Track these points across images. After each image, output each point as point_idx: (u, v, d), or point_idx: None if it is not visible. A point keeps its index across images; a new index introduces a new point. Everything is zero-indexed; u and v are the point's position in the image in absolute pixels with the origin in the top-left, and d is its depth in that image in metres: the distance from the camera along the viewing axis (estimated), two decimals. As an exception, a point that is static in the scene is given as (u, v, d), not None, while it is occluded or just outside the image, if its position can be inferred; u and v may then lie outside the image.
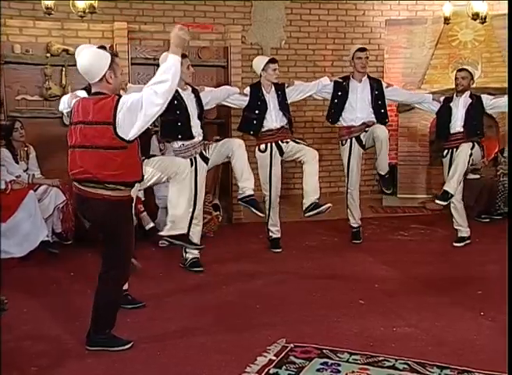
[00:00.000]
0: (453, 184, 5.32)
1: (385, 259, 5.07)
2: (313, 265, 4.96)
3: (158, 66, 5.32)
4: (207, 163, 4.84)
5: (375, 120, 5.50)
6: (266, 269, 4.84)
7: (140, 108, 3.08)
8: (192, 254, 4.83)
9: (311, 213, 5.14)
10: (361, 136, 5.52)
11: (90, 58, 3.19)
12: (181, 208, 4.21)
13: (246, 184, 4.75)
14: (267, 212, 5.38)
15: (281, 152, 5.34)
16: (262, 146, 5.35)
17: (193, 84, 5.42)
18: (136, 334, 3.47)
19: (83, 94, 3.77)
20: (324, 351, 3.18)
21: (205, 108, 4.97)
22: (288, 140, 5.35)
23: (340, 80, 5.59)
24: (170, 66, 3.11)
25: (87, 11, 5.57)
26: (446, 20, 7.08)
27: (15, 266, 4.81)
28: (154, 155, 4.51)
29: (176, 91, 4.65)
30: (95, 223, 3.35)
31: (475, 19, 6.71)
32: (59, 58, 5.86)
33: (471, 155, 5.36)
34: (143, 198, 5.49)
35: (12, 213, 4.86)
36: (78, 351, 3.27)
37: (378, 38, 8.08)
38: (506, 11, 7.44)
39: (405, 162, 7.59)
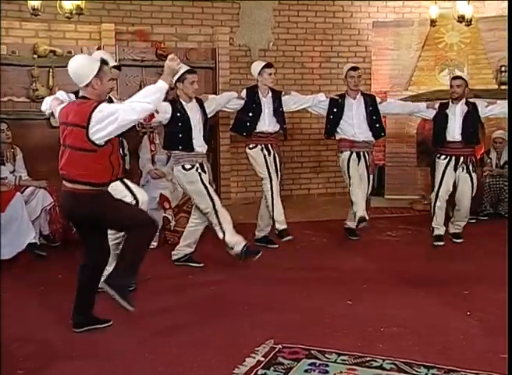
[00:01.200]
0: (465, 218, 5.74)
1: (372, 260, 5.10)
2: (301, 265, 4.97)
3: (145, 67, 5.41)
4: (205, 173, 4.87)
5: (373, 140, 5.71)
6: (254, 269, 4.83)
7: (113, 120, 3.25)
8: (184, 252, 4.97)
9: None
10: (361, 153, 5.64)
11: (79, 64, 3.40)
12: None
13: (234, 240, 4.73)
14: (270, 204, 5.35)
15: (269, 154, 5.40)
16: (251, 145, 5.44)
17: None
18: (125, 335, 3.46)
19: (62, 95, 3.91)
20: (312, 351, 3.19)
21: (209, 115, 5.05)
22: (276, 149, 5.44)
23: (336, 97, 5.71)
24: (156, 90, 3.34)
25: (74, 12, 5.54)
26: (433, 22, 7.13)
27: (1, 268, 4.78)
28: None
29: (180, 104, 4.76)
30: (83, 214, 3.48)
31: (461, 22, 6.77)
32: (46, 59, 5.84)
33: (472, 185, 5.61)
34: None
35: (-2, 215, 4.82)
36: (66, 353, 3.25)
37: (366, 40, 8.12)
38: (491, 13, 7.54)
39: (392, 163, 7.63)
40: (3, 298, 3.97)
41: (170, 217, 5.48)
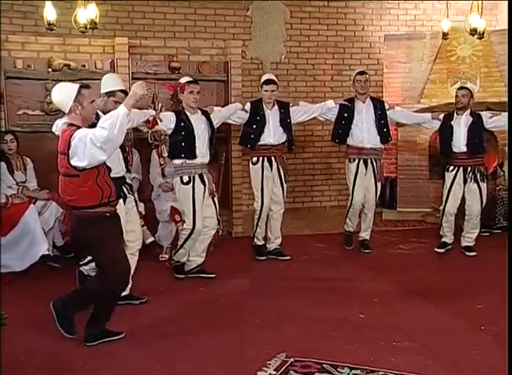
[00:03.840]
0: (474, 236, 5.76)
1: (384, 273, 5.06)
2: (313, 278, 4.94)
3: (158, 80, 5.43)
4: (205, 187, 4.92)
5: (381, 146, 5.76)
6: (265, 283, 4.82)
7: (84, 145, 3.30)
8: (196, 262, 5.00)
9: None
10: (368, 160, 5.69)
11: (58, 92, 3.51)
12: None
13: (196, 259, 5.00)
14: (255, 222, 5.56)
15: (271, 167, 5.46)
16: (254, 158, 5.49)
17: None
18: (135, 347, 3.46)
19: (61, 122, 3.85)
20: (324, 365, 3.16)
21: (215, 127, 5.10)
22: (279, 160, 5.48)
23: (346, 103, 5.73)
24: (115, 115, 3.33)
25: (88, 26, 5.58)
26: (445, 35, 7.12)
27: (12, 280, 4.78)
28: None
29: (184, 114, 4.82)
30: (75, 238, 3.67)
31: (473, 35, 6.75)
32: (61, 73, 5.87)
33: (481, 200, 5.63)
34: (143, 212, 5.48)
35: (12, 227, 4.85)
36: (77, 366, 3.26)
37: (377, 53, 8.12)
38: (504, 26, 7.51)
39: (405, 175, 7.59)
40: (15, 309, 3.98)
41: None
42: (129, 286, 4.16)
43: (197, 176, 4.89)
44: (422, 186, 7.50)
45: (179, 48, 6.44)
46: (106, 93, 4.22)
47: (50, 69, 5.91)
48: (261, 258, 5.57)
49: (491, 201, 6.50)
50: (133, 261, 4.18)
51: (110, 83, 4.29)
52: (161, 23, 7.42)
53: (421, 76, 7.60)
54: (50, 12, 5.26)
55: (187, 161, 4.86)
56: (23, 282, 4.77)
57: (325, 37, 8.04)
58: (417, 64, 7.66)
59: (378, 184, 5.80)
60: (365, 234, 5.93)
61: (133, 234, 4.29)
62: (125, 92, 4.25)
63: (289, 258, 5.53)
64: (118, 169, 4.10)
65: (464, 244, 5.73)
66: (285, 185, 5.57)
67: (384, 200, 7.74)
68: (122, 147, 4.23)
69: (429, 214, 7.11)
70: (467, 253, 5.65)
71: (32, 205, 5.03)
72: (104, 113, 4.10)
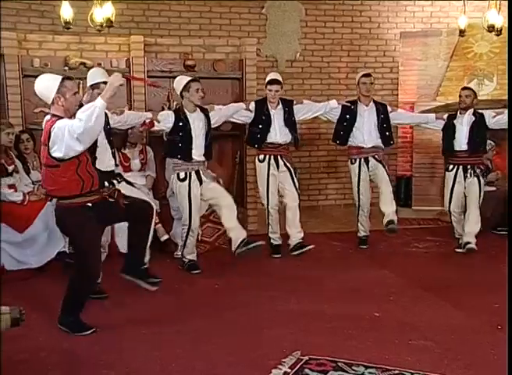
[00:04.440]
0: (477, 228, 5.63)
1: (400, 272, 5.03)
2: (327, 276, 4.93)
3: (173, 78, 5.45)
4: (201, 183, 5.00)
5: (382, 146, 5.74)
6: (279, 280, 4.82)
7: (62, 135, 3.35)
8: (188, 257, 5.09)
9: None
10: (369, 158, 5.70)
11: (40, 84, 3.58)
12: None
13: (237, 233, 4.93)
14: (266, 221, 5.59)
15: (277, 165, 5.48)
16: (261, 156, 5.53)
17: (209, 97, 5.54)
18: (150, 344, 3.48)
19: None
20: (339, 363, 3.16)
21: (213, 126, 5.17)
22: (285, 158, 5.51)
23: (348, 104, 5.75)
24: (92, 107, 3.34)
25: (104, 25, 5.62)
26: (461, 32, 7.05)
27: (30, 276, 4.85)
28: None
29: (183, 113, 4.89)
30: (58, 226, 3.77)
31: (491, 32, 6.68)
32: (77, 71, 5.91)
33: (480, 183, 5.62)
34: (158, 210, 5.51)
35: (29, 224, 4.89)
36: (92, 362, 3.28)
37: (393, 51, 8.08)
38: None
39: (420, 174, 7.55)
40: (33, 305, 4.02)
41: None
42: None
43: (193, 173, 4.97)
44: (438, 184, 7.44)
45: (194, 46, 6.46)
46: (91, 86, 4.38)
47: (66, 68, 5.96)
48: (277, 256, 5.57)
49: (507, 201, 6.46)
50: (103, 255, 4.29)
51: (94, 76, 4.44)
52: (176, 21, 7.44)
53: (437, 73, 7.54)
54: (66, 11, 5.30)
55: (184, 161, 4.97)
56: (41, 279, 4.82)
57: (340, 34, 8.01)
58: (433, 61, 7.60)
59: (386, 168, 5.78)
60: (389, 212, 5.71)
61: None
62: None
63: (313, 246, 5.50)
64: (105, 163, 4.23)
65: (464, 240, 5.65)
66: (296, 180, 5.57)
67: (399, 199, 7.71)
68: (110, 142, 4.31)
69: (445, 213, 7.05)
70: (467, 247, 5.56)
71: (48, 202, 5.07)
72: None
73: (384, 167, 5.75)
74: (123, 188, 4.30)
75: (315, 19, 7.94)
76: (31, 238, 4.90)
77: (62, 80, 3.50)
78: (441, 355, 3.30)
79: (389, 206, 5.70)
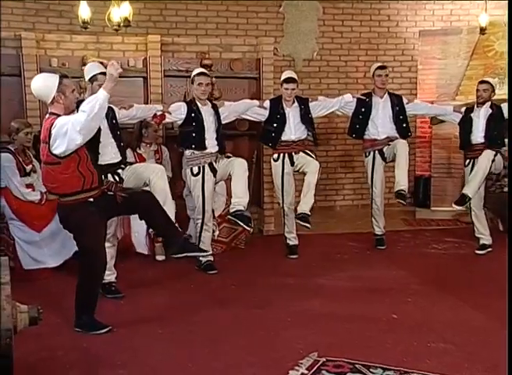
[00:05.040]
0: (473, 188, 5.41)
1: (418, 273, 5.00)
2: (344, 277, 4.91)
3: (190, 77, 5.46)
4: (215, 175, 5.04)
5: (397, 135, 5.67)
6: (296, 281, 4.82)
7: (65, 131, 3.38)
8: (205, 257, 5.02)
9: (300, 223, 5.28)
10: (384, 149, 5.67)
11: (38, 84, 3.57)
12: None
13: (237, 200, 4.84)
14: (282, 220, 5.60)
15: (292, 162, 5.47)
16: (275, 155, 5.54)
17: (226, 96, 5.55)
18: (167, 344, 3.49)
19: None
20: (356, 365, 3.14)
21: (224, 122, 5.19)
22: (300, 152, 5.47)
23: (363, 97, 5.73)
24: (94, 99, 3.39)
25: (121, 24, 5.65)
26: (482, 30, 6.99)
27: (48, 276, 4.89)
28: (131, 163, 4.70)
29: (195, 105, 4.92)
30: (62, 224, 3.80)
31: (513, 29, 6.60)
32: (94, 71, 5.94)
33: (493, 161, 5.45)
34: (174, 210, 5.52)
35: (46, 223, 4.93)
36: (109, 362, 3.30)
37: (412, 49, 8.03)
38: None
39: (439, 174, 7.49)
40: (51, 305, 4.06)
41: (214, 227, 5.52)
42: (115, 276, 4.37)
43: (206, 166, 5.00)
44: (457, 184, 7.37)
45: (211, 46, 6.47)
46: (89, 80, 4.41)
47: (84, 67, 5.98)
48: (293, 257, 5.56)
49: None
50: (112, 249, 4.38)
51: (90, 70, 4.49)
52: (193, 21, 7.47)
53: (457, 72, 7.48)
54: (84, 11, 5.36)
55: (196, 152, 4.99)
56: (58, 278, 4.85)
57: (358, 33, 7.98)
58: (452, 60, 7.54)
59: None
60: (401, 184, 5.47)
61: (146, 174, 4.38)
62: (105, 74, 4.41)
63: (309, 226, 5.25)
64: (109, 156, 4.28)
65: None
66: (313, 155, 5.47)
67: (417, 199, 7.66)
68: (116, 136, 4.37)
69: (464, 213, 6.98)
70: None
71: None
72: None
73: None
74: (131, 171, 4.38)
75: (333, 18, 7.92)
76: (49, 237, 4.93)
77: (60, 78, 3.54)
78: (461, 357, 3.27)
79: (401, 173, 5.45)
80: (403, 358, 3.24)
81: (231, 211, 4.86)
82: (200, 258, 5.11)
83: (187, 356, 3.34)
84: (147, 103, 6.05)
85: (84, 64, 5.99)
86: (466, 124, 5.69)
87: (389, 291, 4.54)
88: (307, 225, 5.21)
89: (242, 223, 4.81)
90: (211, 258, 5.14)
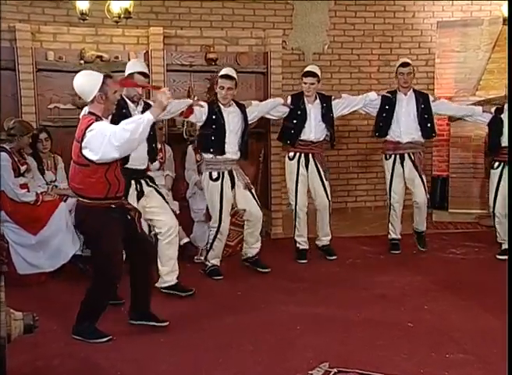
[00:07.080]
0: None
1: (435, 279, 4.99)
2: (358, 283, 4.90)
3: (194, 72, 5.48)
4: (233, 184, 5.05)
5: (422, 140, 5.72)
6: (305, 286, 4.81)
7: (102, 139, 3.43)
8: (212, 262, 5.11)
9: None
10: (405, 155, 5.68)
11: (81, 81, 3.64)
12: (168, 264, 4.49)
13: (249, 250, 5.29)
14: (293, 223, 5.61)
15: (307, 165, 5.49)
16: (291, 154, 5.56)
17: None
18: (170, 354, 3.49)
19: None
20: (369, 377, 3.14)
21: (250, 122, 5.20)
22: (317, 158, 5.52)
23: (389, 95, 5.72)
24: (140, 121, 3.45)
25: (121, 16, 5.67)
26: (505, 21, 6.95)
27: (44, 281, 4.91)
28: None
29: (217, 107, 4.89)
30: (78, 227, 3.91)
31: (538, 19, 6.57)
32: (93, 65, 5.94)
33: None
34: (177, 212, 5.52)
35: (43, 226, 4.94)
36: (108, 371, 3.30)
37: (429, 42, 8.00)
38: None
39: (457, 174, 7.46)
40: (47, 311, 4.06)
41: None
42: (177, 274, 4.50)
43: (226, 173, 4.99)
44: (477, 185, 7.35)
45: (216, 38, 6.46)
46: (128, 75, 4.48)
47: (82, 61, 5.99)
48: (302, 261, 5.56)
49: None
50: (173, 250, 4.44)
51: (133, 65, 4.57)
52: (197, 12, 7.47)
53: (478, 66, 7.44)
54: (83, 2, 5.37)
55: (217, 156, 4.97)
56: (55, 283, 4.87)
57: (371, 25, 7.96)
58: (473, 53, 7.50)
59: (423, 177, 5.72)
60: (420, 226, 5.91)
61: (162, 223, 4.42)
62: (144, 75, 4.53)
63: (335, 258, 5.58)
64: (139, 161, 4.36)
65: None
66: (326, 182, 5.55)
67: (434, 200, 7.62)
68: (148, 139, 4.35)
69: (485, 216, 6.96)
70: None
71: (63, 202, 5.12)
72: (128, 98, 4.44)
73: (421, 177, 5.69)
74: (150, 197, 4.42)
75: (345, 9, 7.90)
76: (45, 241, 4.94)
77: (104, 77, 3.59)
78: (481, 370, 3.26)
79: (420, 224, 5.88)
80: (419, 370, 3.23)
81: (244, 257, 5.31)
82: (206, 263, 5.14)
83: (192, 365, 3.34)
84: (148, 98, 6.06)
85: (82, 58, 6.03)
86: (496, 126, 5.60)
87: (404, 297, 4.52)
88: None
89: (258, 268, 5.16)
90: (218, 263, 5.16)
